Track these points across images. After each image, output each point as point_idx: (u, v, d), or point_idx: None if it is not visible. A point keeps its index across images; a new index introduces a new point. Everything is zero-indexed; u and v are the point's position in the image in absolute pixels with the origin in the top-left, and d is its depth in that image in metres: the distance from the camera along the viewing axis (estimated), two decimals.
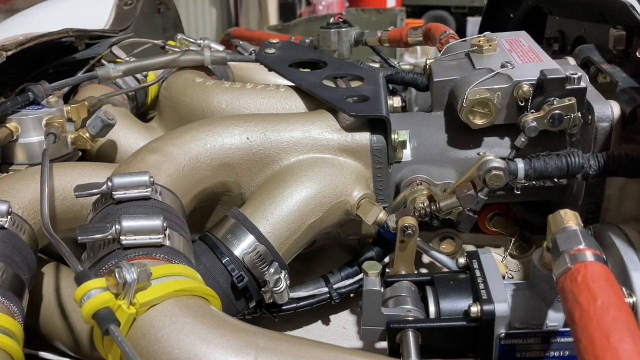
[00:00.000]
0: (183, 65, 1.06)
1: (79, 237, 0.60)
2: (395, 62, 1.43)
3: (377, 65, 1.49)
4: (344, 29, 1.34)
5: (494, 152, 0.85)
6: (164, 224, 0.62)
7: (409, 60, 2.58)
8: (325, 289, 0.87)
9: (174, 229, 0.66)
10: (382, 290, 0.71)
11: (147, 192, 0.68)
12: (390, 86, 1.14)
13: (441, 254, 0.82)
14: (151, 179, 0.68)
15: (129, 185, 0.67)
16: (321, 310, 0.90)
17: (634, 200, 0.75)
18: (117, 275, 0.53)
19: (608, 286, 0.52)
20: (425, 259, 1.00)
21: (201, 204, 0.84)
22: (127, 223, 0.61)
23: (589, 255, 0.55)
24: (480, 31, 1.76)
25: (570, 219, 0.62)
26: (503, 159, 0.72)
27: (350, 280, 0.87)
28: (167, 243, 0.63)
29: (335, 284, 0.87)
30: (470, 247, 1.00)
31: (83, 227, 0.61)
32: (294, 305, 0.85)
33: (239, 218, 0.77)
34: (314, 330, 0.90)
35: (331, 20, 1.37)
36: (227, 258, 0.74)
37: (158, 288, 0.56)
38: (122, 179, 0.67)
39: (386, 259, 0.89)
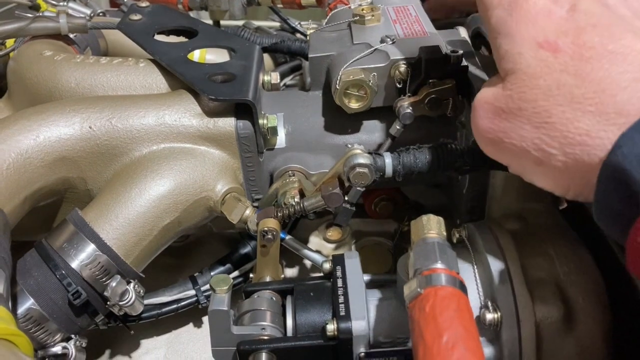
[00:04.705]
0: (35, 34, 0.92)
1: None
2: (296, 23, 1.32)
3: (277, 24, 1.38)
4: None
5: (374, 138, 0.78)
6: None
7: None
8: (192, 292, 0.79)
9: None
10: (235, 307, 0.63)
11: None
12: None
13: (314, 253, 0.74)
14: None
15: None
16: (192, 312, 0.82)
17: (514, 193, 0.69)
18: None
19: (457, 318, 0.46)
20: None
21: (42, 203, 0.73)
22: None
23: (443, 277, 0.48)
24: None
25: (432, 227, 0.55)
26: (371, 153, 0.64)
27: None
28: None
29: (204, 286, 0.79)
30: (359, 232, 0.93)
31: None
32: (156, 312, 0.77)
33: (78, 224, 0.67)
34: (184, 334, 0.83)
35: None
36: (62, 271, 0.65)
37: None
38: None
39: None
